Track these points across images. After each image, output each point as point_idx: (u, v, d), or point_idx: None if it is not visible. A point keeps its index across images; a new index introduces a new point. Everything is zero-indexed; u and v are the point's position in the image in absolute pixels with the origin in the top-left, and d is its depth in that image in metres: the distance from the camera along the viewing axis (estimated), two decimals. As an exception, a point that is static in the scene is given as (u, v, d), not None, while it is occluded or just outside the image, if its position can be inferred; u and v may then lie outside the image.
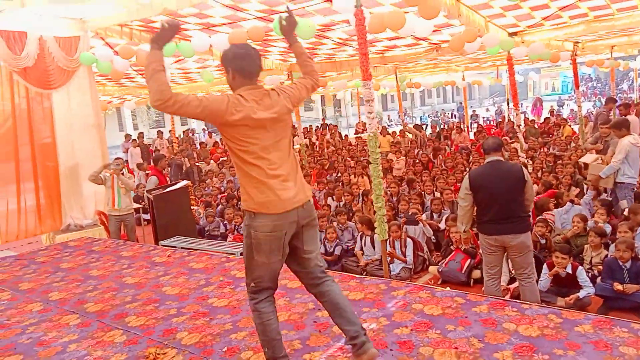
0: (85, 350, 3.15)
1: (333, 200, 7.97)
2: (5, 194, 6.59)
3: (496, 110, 26.36)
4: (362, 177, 9.27)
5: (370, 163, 4.91)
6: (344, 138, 16.67)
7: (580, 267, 4.36)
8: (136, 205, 8.41)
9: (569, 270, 4.31)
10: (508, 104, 19.59)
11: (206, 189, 10.12)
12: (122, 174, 6.68)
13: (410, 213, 6.46)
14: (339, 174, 10.01)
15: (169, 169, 10.85)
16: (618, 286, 4.06)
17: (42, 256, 5.70)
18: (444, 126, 19.72)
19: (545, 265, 4.50)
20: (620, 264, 4.20)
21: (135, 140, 14.99)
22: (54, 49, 6.72)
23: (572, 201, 6.03)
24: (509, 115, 17.12)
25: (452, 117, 26.38)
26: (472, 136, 14.16)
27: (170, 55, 7.45)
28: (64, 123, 7.00)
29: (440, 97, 43.09)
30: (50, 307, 3.99)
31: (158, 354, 2.99)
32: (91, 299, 4.09)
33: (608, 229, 5.15)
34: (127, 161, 13.27)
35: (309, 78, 2.77)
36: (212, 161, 12.78)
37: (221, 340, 3.10)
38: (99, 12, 6.78)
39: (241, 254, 5.21)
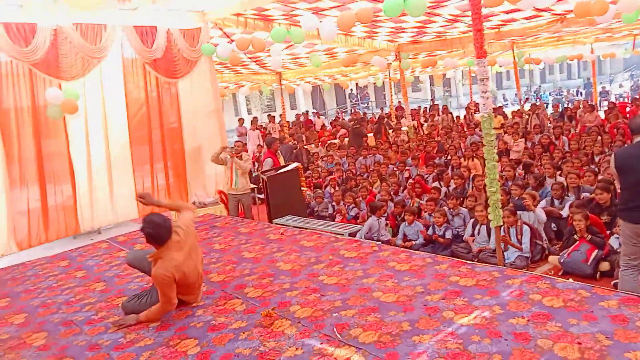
0: (210, 316, 3.46)
1: (441, 184, 7.77)
2: (141, 173, 7.40)
3: (632, 85, 23.45)
4: (472, 160, 8.88)
5: (484, 145, 4.69)
6: (455, 119, 16.04)
7: None
8: (252, 186, 8.96)
9: None
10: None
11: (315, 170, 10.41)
12: (240, 157, 7.13)
13: (516, 198, 6.08)
14: (449, 157, 9.68)
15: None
16: None
17: (172, 230, 6.32)
18: (568, 105, 18.03)
19: None
20: None
21: (253, 123, 15.86)
22: (179, 41, 7.33)
23: None
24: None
25: (577, 95, 24.03)
26: (602, 115, 12.78)
27: (281, 41, 7.73)
28: (188, 109, 7.65)
29: (563, 73, 39.41)
30: (180, 275, 4.43)
31: (272, 311, 3.24)
32: (215, 270, 4.48)
33: None
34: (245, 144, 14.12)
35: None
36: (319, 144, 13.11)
37: (331, 316, 3.21)
38: (217, 3, 7.25)
39: (349, 235, 5.32)
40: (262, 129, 15.81)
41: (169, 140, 7.62)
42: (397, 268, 3.98)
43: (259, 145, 13.34)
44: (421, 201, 7.16)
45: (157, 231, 3.43)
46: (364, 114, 21.38)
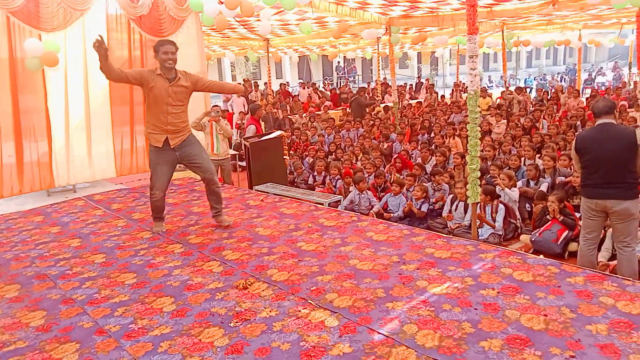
0: (187, 276, 3.48)
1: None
2: (121, 134, 7.26)
3: (615, 75, 23.77)
4: (454, 138, 8.97)
5: (468, 123, 4.73)
6: (440, 98, 16.07)
7: None
8: (233, 152, 8.89)
9: None
10: (630, 68, 17.61)
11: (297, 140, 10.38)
12: (219, 120, 7.04)
13: (489, 176, 6.21)
14: (432, 135, 9.75)
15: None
16: None
17: (151, 191, 6.27)
18: (550, 89, 18.21)
19: None
20: None
21: (237, 89, 15.56)
22: (166, -2, 7.10)
23: None
24: (629, 80, 15.42)
25: (561, 81, 24.27)
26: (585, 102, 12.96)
27: (271, 6, 7.56)
28: (172, 69, 7.46)
29: (549, 58, 39.64)
30: (159, 236, 4.43)
31: (248, 284, 3.24)
32: (193, 232, 4.48)
33: None
34: (227, 110, 13.89)
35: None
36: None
37: (308, 281, 3.26)
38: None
39: (329, 204, 5.36)
40: (247, 96, 15.59)
41: (150, 101, 7.45)
42: (375, 238, 4.04)
43: (242, 112, 13.20)
44: (401, 176, 7.23)
45: None
46: (348, 87, 21.24)
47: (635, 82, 13.61)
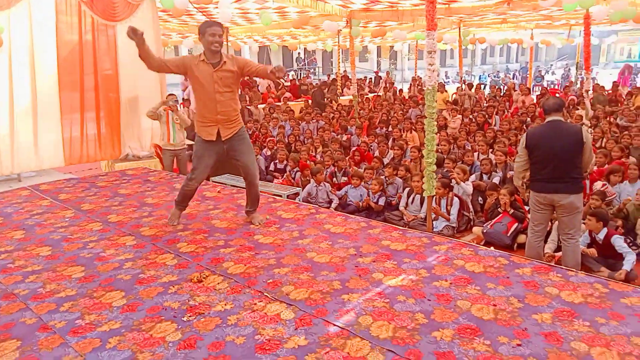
0: (139, 269, 3.38)
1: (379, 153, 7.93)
2: (70, 122, 6.95)
3: (563, 74, 24.81)
4: (411, 132, 9.13)
5: (425, 118, 4.81)
6: (397, 92, 16.29)
7: (616, 235, 4.33)
8: (191, 142, 8.69)
9: (602, 236, 4.27)
10: (577, 68, 18.40)
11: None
12: (177, 109, 6.86)
13: (445, 170, 6.38)
14: (390, 129, 9.88)
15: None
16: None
17: (102, 181, 6.05)
18: (503, 86, 18.82)
19: (587, 230, 4.48)
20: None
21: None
22: (120, -20, 6.82)
23: None
24: (577, 79, 16.11)
25: (513, 78, 25.10)
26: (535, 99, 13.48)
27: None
28: (126, 56, 7.19)
29: (503, 56, 40.89)
30: (109, 227, 4.28)
31: (203, 278, 3.18)
32: (146, 224, 4.34)
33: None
34: (186, 99, 13.56)
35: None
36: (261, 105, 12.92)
37: (264, 273, 3.24)
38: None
39: (287, 196, 5.34)
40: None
41: (103, 87, 7.16)
42: (333, 230, 4.05)
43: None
44: (359, 169, 7.29)
45: None
46: (308, 78, 21.17)
47: (581, 82, 14.24)
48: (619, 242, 4.24)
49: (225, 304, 2.85)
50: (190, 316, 2.73)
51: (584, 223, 4.39)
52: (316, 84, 17.01)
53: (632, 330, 2.48)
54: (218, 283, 3.12)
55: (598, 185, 5.59)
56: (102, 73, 7.12)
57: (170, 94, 7.09)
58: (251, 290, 3.02)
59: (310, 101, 13.98)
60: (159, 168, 7.10)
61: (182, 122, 6.84)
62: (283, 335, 2.51)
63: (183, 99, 13.95)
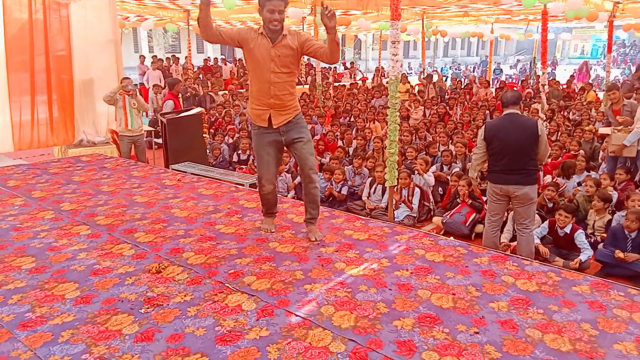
0: (94, 259, 3.25)
1: (343, 143, 7.95)
2: (19, 104, 6.60)
3: (520, 68, 25.57)
4: (374, 123, 9.19)
5: (388, 108, 4.83)
6: (362, 82, 16.35)
7: (580, 230, 4.43)
8: (149, 129, 8.44)
9: (568, 230, 4.37)
10: (534, 63, 19.00)
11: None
12: (136, 94, 6.63)
13: (409, 162, 6.48)
14: (353, 118, 9.91)
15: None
16: (619, 254, 4.10)
17: (55, 167, 5.79)
18: (464, 79, 19.22)
19: (546, 222, 4.59)
20: (626, 233, 4.21)
21: (154, 62, 14.74)
22: (73, -44, 6.49)
23: (588, 169, 6.01)
24: (534, 73, 16.62)
25: (473, 71, 25.67)
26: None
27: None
28: (80, 36, 6.88)
29: (464, 49, 41.70)
30: (62, 216, 4.10)
31: (162, 268, 3.09)
32: (102, 212, 4.19)
33: (614, 195, 5.14)
34: (142, 83, 13.13)
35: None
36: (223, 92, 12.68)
37: (226, 264, 3.18)
38: None
39: (250, 185, 5.27)
40: (164, 69, 14.82)
41: (55, 69, 6.83)
42: (295, 220, 4.03)
43: (158, 85, 12.56)
44: (323, 159, 7.29)
45: None
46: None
47: (537, 76, 14.72)
48: (581, 238, 4.37)
49: (185, 295, 2.78)
50: (148, 308, 2.65)
51: (557, 217, 4.48)
52: None
53: (582, 317, 2.59)
54: (177, 274, 3.05)
55: (548, 179, 5.80)
56: (54, 54, 6.78)
57: (125, 78, 6.80)
58: (212, 281, 2.96)
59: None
60: (115, 155, 6.86)
61: (141, 107, 6.63)
62: (244, 326, 2.48)
63: (140, 83, 13.53)
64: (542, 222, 4.75)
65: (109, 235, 3.69)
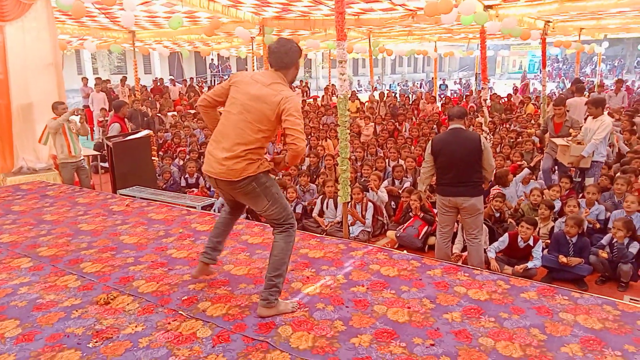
0: (37, 294, 3.08)
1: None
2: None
3: (464, 83, 26.66)
4: (326, 141, 9.28)
5: (338, 126, 4.90)
6: (313, 101, 16.52)
7: (540, 241, 4.55)
8: (95, 153, 8.15)
9: (531, 242, 4.49)
10: (476, 78, 19.87)
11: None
12: (84, 118, 6.39)
13: (363, 179, 6.58)
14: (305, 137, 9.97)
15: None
16: (563, 258, 4.30)
17: (-8, 198, 5.46)
18: (412, 95, 19.82)
19: (506, 235, 4.67)
20: (568, 238, 4.43)
21: (98, 84, 14.30)
22: (8, -23, 6.24)
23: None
24: (476, 89, 17.34)
25: (420, 87, 26.51)
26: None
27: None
28: (17, 59, 6.58)
29: (410, 66, 43.09)
30: (0, 249, 3.86)
31: (111, 299, 2.96)
32: (44, 243, 3.98)
33: (557, 204, 5.40)
34: (86, 106, 12.72)
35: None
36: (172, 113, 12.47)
37: (179, 290, 3.09)
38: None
39: (202, 208, 5.18)
40: (109, 91, 14.41)
41: (-9, 94, 6.49)
42: (250, 241, 3.99)
43: (103, 108, 12.18)
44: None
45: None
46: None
47: (478, 91, 15.38)
48: (539, 248, 4.47)
49: (136, 326, 2.68)
50: (96, 342, 2.53)
51: (520, 229, 4.51)
52: None
53: (531, 323, 2.69)
54: (128, 304, 2.93)
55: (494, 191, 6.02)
56: (-11, 78, 6.45)
57: (60, 102, 6.36)
58: (164, 309, 2.87)
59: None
60: (58, 181, 6.55)
61: (83, 131, 6.39)
62: (200, 354, 2.41)
63: (84, 105, 13.09)
64: (489, 232, 4.90)
65: (53, 266, 3.50)
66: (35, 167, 6.75)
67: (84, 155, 6.55)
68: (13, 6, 6.39)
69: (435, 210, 5.37)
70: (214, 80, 24.60)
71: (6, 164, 6.68)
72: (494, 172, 6.00)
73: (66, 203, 5.19)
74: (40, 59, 6.84)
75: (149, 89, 16.70)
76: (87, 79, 15.16)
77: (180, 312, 2.82)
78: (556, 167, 6.61)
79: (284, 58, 2.73)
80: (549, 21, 10.62)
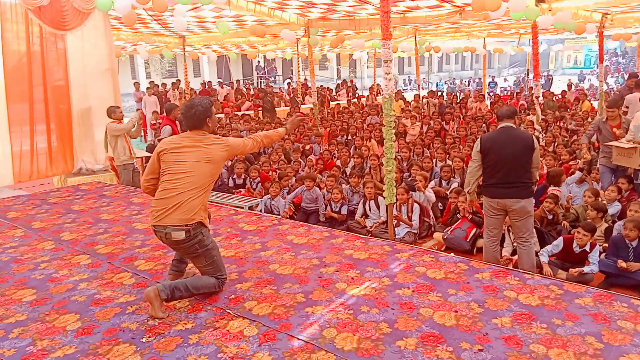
0: (94, 289, 3.25)
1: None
2: (19, 135, 6.65)
3: (515, 80, 25.78)
4: (370, 141, 9.22)
5: (383, 126, 4.86)
6: (357, 100, 16.47)
7: (597, 246, 4.33)
8: (148, 155, 8.47)
9: (587, 247, 4.28)
10: (528, 74, 19.17)
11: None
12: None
13: (410, 179, 6.47)
14: (350, 137, 9.96)
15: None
16: (622, 263, 4.07)
17: (54, 197, 5.80)
18: (459, 93, 19.36)
19: (560, 238, 4.47)
20: (627, 242, 4.20)
21: (150, 88, 14.88)
22: (69, -12, 6.61)
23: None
24: (526, 86, 16.73)
25: (468, 85, 25.88)
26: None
27: (187, 3, 7.29)
28: (77, 66, 6.96)
29: (458, 64, 42.12)
30: (62, 246, 4.09)
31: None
32: (102, 241, 4.19)
33: (617, 207, 5.12)
34: (139, 109, 13.23)
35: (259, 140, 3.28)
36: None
37: (226, 289, 3.17)
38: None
39: (249, 208, 5.28)
40: (160, 95, 14.94)
41: (53, 99, 6.90)
42: (295, 241, 4.03)
43: (155, 111, 12.64)
44: (322, 177, 7.29)
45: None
46: (270, 87, 21.15)
47: (530, 88, 14.84)
48: (595, 253, 4.27)
49: (186, 323, 2.77)
50: (149, 337, 2.64)
51: (576, 235, 4.31)
52: (261, 90, 17.12)
53: (586, 330, 2.57)
54: (178, 302, 3.03)
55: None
56: (51, 84, 6.86)
57: (116, 106, 6.66)
58: (212, 307, 2.95)
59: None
60: (114, 182, 6.87)
61: (136, 133, 6.69)
62: (247, 352, 2.46)
63: (137, 109, 13.63)
64: (539, 236, 4.68)
65: (109, 264, 3.68)
66: (94, 168, 7.11)
67: (137, 157, 6.84)
68: (74, 15, 6.75)
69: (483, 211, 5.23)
70: (261, 82, 24.99)
71: (67, 165, 7.08)
72: (545, 171, 5.78)
73: (122, 203, 5.44)
74: (98, 65, 7.20)
75: (197, 92, 17.19)
76: (139, 84, 15.81)
77: (227, 310, 2.90)
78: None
79: (195, 120, 2.99)
80: (607, 13, 10.09)
